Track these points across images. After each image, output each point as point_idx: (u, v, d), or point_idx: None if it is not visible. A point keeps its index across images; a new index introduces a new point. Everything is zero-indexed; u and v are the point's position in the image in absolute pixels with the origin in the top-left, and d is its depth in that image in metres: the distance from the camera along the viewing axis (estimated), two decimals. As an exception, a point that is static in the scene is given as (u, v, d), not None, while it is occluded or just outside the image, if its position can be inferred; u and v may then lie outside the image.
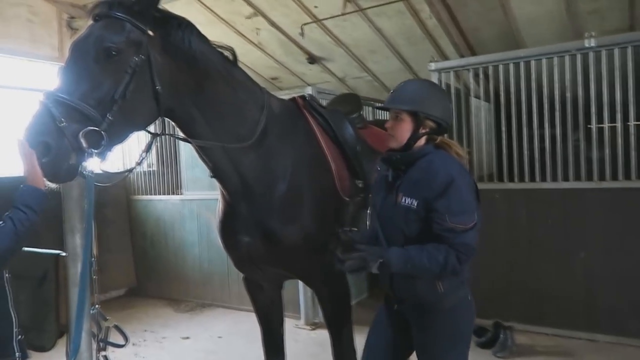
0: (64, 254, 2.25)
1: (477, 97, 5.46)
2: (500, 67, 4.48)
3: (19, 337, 2.01)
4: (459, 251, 1.87)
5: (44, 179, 1.77)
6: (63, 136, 1.72)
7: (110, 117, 1.82)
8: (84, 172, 1.82)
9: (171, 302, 6.02)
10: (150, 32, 1.96)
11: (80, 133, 1.74)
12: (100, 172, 1.90)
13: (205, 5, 6.08)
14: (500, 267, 4.55)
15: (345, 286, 2.56)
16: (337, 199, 2.53)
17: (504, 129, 4.54)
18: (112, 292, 6.27)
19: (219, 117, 2.15)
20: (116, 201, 6.47)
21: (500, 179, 4.66)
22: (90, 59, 1.84)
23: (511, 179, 4.59)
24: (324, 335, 4.69)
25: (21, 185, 1.78)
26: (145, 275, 6.53)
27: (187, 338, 4.78)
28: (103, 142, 1.80)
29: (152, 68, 1.94)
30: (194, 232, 5.90)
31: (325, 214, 2.46)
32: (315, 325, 4.96)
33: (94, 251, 2.32)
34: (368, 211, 2.69)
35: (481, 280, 4.63)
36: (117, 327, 2.31)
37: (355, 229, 2.62)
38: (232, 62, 2.31)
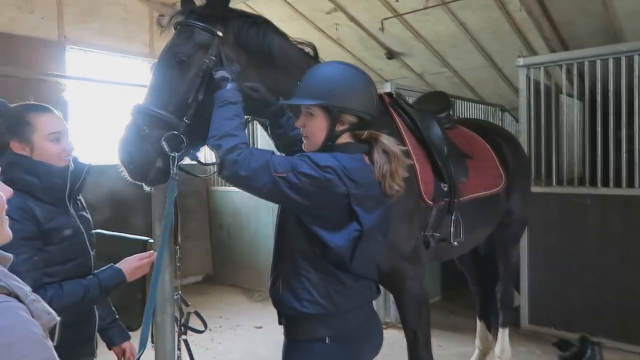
0: (151, 240, 2.35)
1: (570, 95, 5.10)
2: (598, 63, 4.14)
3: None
4: (250, 155, 1.61)
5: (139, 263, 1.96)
6: (146, 143, 1.86)
7: (187, 121, 1.89)
8: (171, 174, 1.89)
9: (244, 291, 6.20)
10: (220, 33, 1.96)
11: (162, 138, 1.85)
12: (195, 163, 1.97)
13: (286, 1, 6.16)
14: (590, 278, 4.24)
15: (424, 289, 2.48)
16: (419, 202, 2.43)
17: (599, 129, 4.20)
18: (190, 278, 6.56)
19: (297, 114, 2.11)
20: (197, 191, 6.76)
21: (593, 183, 4.32)
22: (167, 68, 1.94)
23: (605, 184, 4.24)
24: (394, 335, 4.62)
25: (116, 267, 1.93)
26: (221, 263, 6.77)
27: (260, 327, 4.89)
28: (183, 145, 1.88)
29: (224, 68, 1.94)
30: (268, 225, 6.02)
31: (407, 218, 2.37)
32: (386, 325, 4.89)
33: (178, 239, 2.42)
34: (452, 217, 2.58)
35: (568, 290, 4.35)
36: (197, 313, 2.38)
37: (438, 234, 2.53)
38: (313, 57, 2.28)
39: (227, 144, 1.65)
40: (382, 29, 6.09)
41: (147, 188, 2.01)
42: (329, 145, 1.75)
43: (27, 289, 0.97)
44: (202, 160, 2.11)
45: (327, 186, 1.61)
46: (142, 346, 1.87)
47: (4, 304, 0.88)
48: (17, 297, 0.92)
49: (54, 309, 1.68)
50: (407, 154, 1.79)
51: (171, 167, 1.87)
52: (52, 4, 5.63)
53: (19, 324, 0.87)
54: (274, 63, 2.09)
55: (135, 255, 2.00)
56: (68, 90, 5.66)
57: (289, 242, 1.76)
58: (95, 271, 1.92)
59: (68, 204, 1.89)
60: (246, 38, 2.03)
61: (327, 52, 7.20)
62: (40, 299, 0.98)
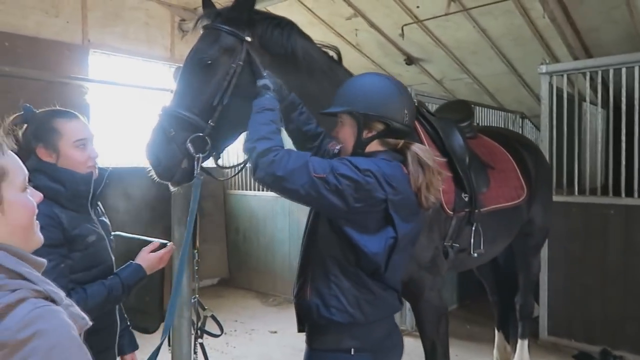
0: (170, 243, 2.36)
1: (593, 103, 5.01)
2: (623, 71, 4.06)
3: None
4: (288, 156, 1.61)
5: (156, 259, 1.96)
6: (172, 145, 1.89)
7: (212, 123, 1.91)
8: (195, 174, 1.92)
9: (259, 295, 6.21)
10: (248, 38, 1.97)
11: (188, 140, 1.88)
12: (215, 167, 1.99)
13: (306, 7, 6.18)
14: (612, 289, 4.14)
15: (443, 300, 2.44)
16: (439, 212, 2.39)
17: (623, 138, 4.11)
18: (206, 281, 6.58)
19: (326, 119, 2.05)
20: (214, 195, 6.80)
21: (617, 193, 4.23)
22: (193, 71, 1.96)
23: (629, 194, 4.14)
24: (410, 343, 4.56)
25: (135, 264, 1.93)
26: (237, 267, 6.79)
27: (275, 332, 4.88)
28: (208, 146, 1.91)
29: (251, 72, 1.96)
30: (284, 229, 6.03)
31: (427, 227, 2.33)
32: (402, 333, 4.84)
33: (197, 243, 2.43)
34: (473, 227, 2.54)
35: (589, 302, 4.26)
36: (213, 317, 2.39)
37: (457, 245, 2.49)
38: (337, 61, 2.28)
39: (262, 146, 1.65)
40: (402, 35, 6.06)
41: (173, 188, 2.03)
42: (359, 152, 1.74)
43: (62, 294, 0.99)
44: (222, 164, 2.11)
45: (366, 189, 1.60)
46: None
47: (45, 308, 0.90)
48: (54, 302, 0.94)
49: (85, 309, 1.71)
50: (442, 165, 1.77)
51: (195, 167, 1.90)
52: (77, 8, 5.74)
53: (61, 327, 0.89)
54: (297, 65, 2.09)
55: (151, 250, 1.99)
56: (90, 93, 5.76)
57: (321, 248, 1.74)
58: (116, 270, 1.92)
59: (90, 210, 1.89)
60: (270, 40, 2.03)
61: (346, 58, 7.14)
62: (74, 304, 1.00)
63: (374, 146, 1.76)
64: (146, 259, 1.95)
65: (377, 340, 1.74)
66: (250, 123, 1.75)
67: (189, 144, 1.88)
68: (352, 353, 1.69)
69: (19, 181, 1.04)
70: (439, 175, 1.74)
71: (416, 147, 1.75)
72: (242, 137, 2.09)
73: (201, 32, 2.06)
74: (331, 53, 2.28)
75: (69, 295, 1.70)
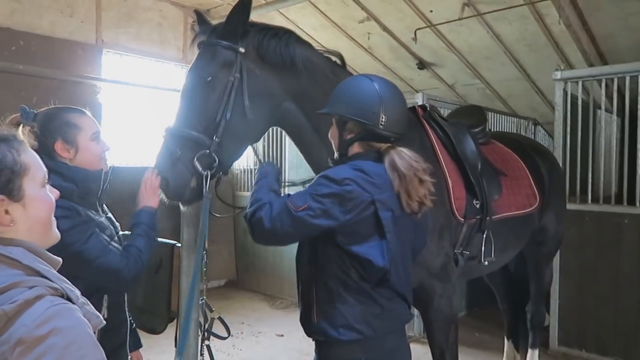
0: (179, 244, 2.35)
1: (608, 111, 4.94)
2: (640, 78, 4.01)
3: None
4: (269, 205, 1.66)
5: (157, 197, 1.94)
6: (179, 165, 1.91)
7: (217, 139, 1.93)
8: (204, 193, 1.94)
9: (267, 298, 6.19)
10: (242, 49, 1.98)
11: (195, 158, 1.90)
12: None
13: (319, 10, 6.18)
14: (625, 300, 4.07)
15: (454, 309, 2.40)
16: (450, 219, 2.37)
17: (639, 146, 4.04)
18: (214, 282, 6.59)
19: (327, 123, 2.04)
20: (223, 196, 6.77)
21: (631, 202, 4.16)
22: (193, 88, 1.98)
23: (644, 204, 4.08)
24: (418, 350, 4.52)
25: (141, 208, 1.93)
26: (244, 268, 6.79)
27: (282, 335, 4.86)
28: (215, 163, 1.93)
29: (247, 84, 1.98)
30: (293, 231, 6.00)
31: (437, 233, 2.30)
32: (409, 339, 4.79)
33: (205, 245, 2.42)
34: (484, 235, 2.51)
35: (601, 312, 4.19)
36: (220, 319, 2.37)
37: (467, 252, 2.46)
38: (341, 66, 2.26)
39: (251, 211, 1.70)
40: (414, 39, 6.03)
41: (183, 208, 2.06)
42: (343, 153, 1.79)
43: (77, 292, 1.01)
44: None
45: (350, 198, 1.61)
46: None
47: (62, 306, 0.91)
48: (70, 300, 0.96)
49: (147, 258, 1.76)
50: (426, 172, 1.72)
51: (204, 185, 1.91)
52: (92, 8, 5.78)
53: (76, 325, 0.91)
54: (297, 73, 2.09)
55: (142, 187, 1.96)
56: (103, 92, 5.79)
57: (322, 270, 1.72)
58: (133, 224, 1.92)
59: (98, 207, 1.92)
60: (267, 51, 2.04)
61: (358, 61, 7.19)
62: (89, 302, 1.01)
63: (357, 148, 1.77)
64: (143, 198, 1.94)
65: (388, 352, 1.72)
66: (253, 190, 1.82)
67: (196, 162, 1.90)
68: None
69: (39, 177, 1.07)
70: (420, 183, 1.69)
71: (395, 153, 1.71)
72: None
73: (197, 49, 2.08)
74: (334, 58, 2.27)
75: (127, 253, 1.78)
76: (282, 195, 1.79)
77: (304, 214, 1.59)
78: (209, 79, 1.95)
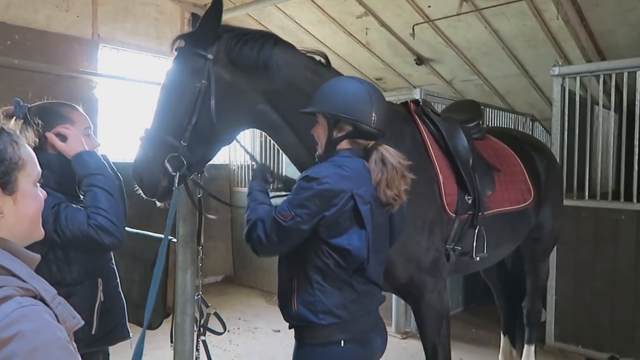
0: (174, 240, 2.34)
1: (605, 106, 4.94)
2: (638, 74, 4.00)
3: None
4: (262, 222, 1.76)
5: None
6: (152, 164, 2.02)
7: (184, 143, 2.01)
8: (173, 189, 2.03)
9: (264, 294, 6.19)
10: (210, 56, 2.01)
11: (165, 160, 1.99)
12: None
13: (317, 5, 6.14)
14: (622, 296, 4.08)
15: (446, 304, 2.40)
16: (441, 214, 2.36)
17: (636, 142, 4.04)
18: (211, 278, 6.58)
19: (305, 123, 2.04)
20: (220, 192, 6.78)
21: (628, 199, 4.16)
22: (165, 93, 2.07)
23: (642, 200, 4.08)
24: (415, 345, 4.53)
25: (75, 156, 1.85)
26: (242, 264, 6.78)
27: (278, 331, 4.86)
28: (183, 165, 2.01)
29: (215, 90, 2.02)
30: (290, 227, 5.99)
31: (427, 228, 2.31)
32: (406, 335, 4.81)
33: (201, 240, 2.41)
34: (476, 231, 2.50)
35: (598, 308, 4.20)
36: (216, 315, 2.37)
37: (459, 248, 2.45)
38: (325, 65, 2.24)
39: (247, 229, 1.81)
40: (412, 35, 6.01)
41: (159, 203, 2.14)
42: (330, 150, 1.85)
43: (54, 291, 0.97)
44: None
45: (330, 196, 1.70)
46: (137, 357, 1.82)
47: (30, 308, 0.87)
48: (43, 300, 0.91)
49: (115, 221, 1.73)
50: (407, 168, 1.85)
51: (174, 185, 2.02)
52: (88, 3, 5.74)
53: (44, 328, 0.86)
54: (272, 76, 2.09)
55: (60, 130, 1.88)
56: (99, 87, 5.76)
57: (301, 260, 1.81)
58: (84, 182, 1.84)
59: (79, 194, 1.93)
60: (238, 56, 2.06)
61: (356, 57, 7.17)
62: (66, 302, 0.97)
63: (344, 145, 1.84)
64: (71, 146, 1.85)
65: (365, 331, 1.84)
66: (248, 202, 1.93)
67: (166, 163, 1.99)
68: (342, 344, 1.78)
69: (34, 175, 1.07)
70: (402, 177, 1.81)
71: (383, 149, 1.83)
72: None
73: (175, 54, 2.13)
74: (318, 58, 2.26)
75: (95, 220, 1.73)
76: (270, 198, 1.93)
77: (292, 223, 1.70)
78: (177, 84, 2.03)
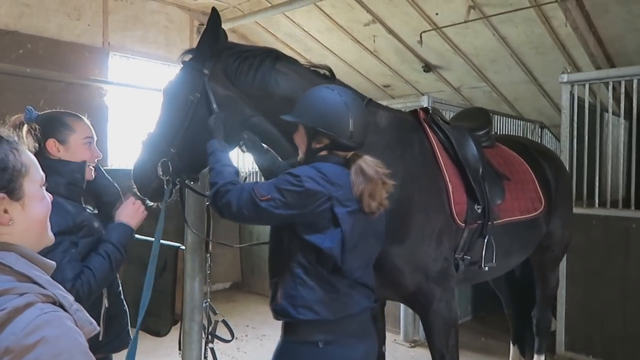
0: (183, 247, 2.35)
1: (615, 114, 4.91)
2: (650, 81, 3.98)
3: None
4: (234, 191, 1.80)
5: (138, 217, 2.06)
6: (146, 166, 2.16)
7: (173, 150, 2.12)
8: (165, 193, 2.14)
9: (272, 301, 6.16)
10: (206, 71, 2.10)
11: (159, 164, 2.11)
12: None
13: (324, 13, 6.18)
14: (633, 305, 4.02)
15: (454, 313, 2.38)
16: (450, 223, 2.35)
17: (648, 150, 4.01)
18: (219, 285, 6.58)
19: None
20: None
21: (639, 207, 4.12)
22: (165, 102, 2.19)
23: (652, 208, 4.03)
24: (423, 354, 4.50)
25: (119, 223, 1.99)
26: (250, 271, 6.78)
27: (286, 339, 4.84)
28: (169, 170, 2.11)
29: (207, 104, 2.10)
30: (298, 234, 5.99)
31: (436, 238, 2.29)
32: (414, 343, 4.77)
33: (209, 247, 2.42)
34: (485, 240, 2.49)
35: (609, 317, 4.15)
36: (224, 322, 2.37)
37: (468, 258, 2.44)
38: (330, 78, 2.26)
39: (215, 191, 1.85)
40: (420, 42, 6.02)
41: (150, 203, 2.22)
42: (309, 158, 1.90)
43: (71, 298, 0.99)
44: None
45: (308, 194, 1.75)
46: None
47: (52, 314, 0.89)
48: (62, 306, 0.94)
49: (95, 289, 1.73)
50: (388, 177, 1.88)
51: (165, 187, 2.13)
52: (99, 12, 5.82)
53: (66, 334, 0.88)
54: (269, 93, 2.14)
55: (125, 202, 2.08)
56: (109, 95, 5.82)
57: (286, 254, 1.87)
58: (103, 237, 1.94)
59: (82, 201, 1.99)
60: (235, 73, 2.13)
61: (364, 64, 7.19)
62: (82, 308, 0.99)
63: (323, 154, 1.89)
64: (124, 214, 2.02)
65: (346, 335, 1.85)
66: (209, 163, 1.96)
67: (158, 167, 2.11)
68: (321, 346, 1.80)
69: (38, 179, 1.08)
70: (383, 185, 1.84)
71: (362, 160, 1.85)
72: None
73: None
74: (322, 72, 2.28)
75: (79, 279, 1.75)
76: (235, 166, 1.96)
77: (266, 205, 1.74)
78: (174, 94, 2.14)
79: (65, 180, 1.88)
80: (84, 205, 1.99)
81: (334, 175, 1.80)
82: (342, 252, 1.79)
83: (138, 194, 2.19)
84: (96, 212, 2.08)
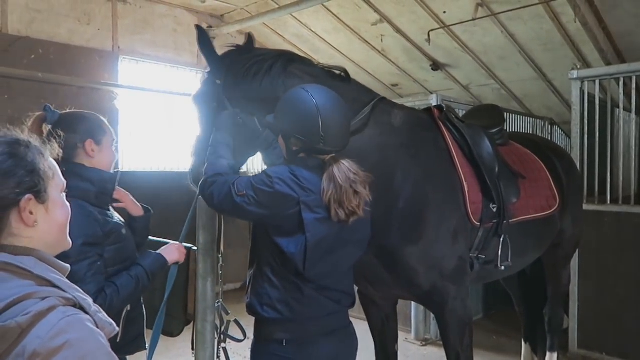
0: (195, 248, 2.37)
1: (626, 110, 4.86)
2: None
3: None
4: (219, 184, 1.85)
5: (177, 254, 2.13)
6: (199, 169, 2.16)
7: (193, 157, 2.24)
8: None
9: (283, 301, 6.19)
10: (218, 81, 2.16)
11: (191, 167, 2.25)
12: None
13: (332, 13, 6.19)
14: (647, 303, 3.98)
15: (469, 311, 2.38)
16: (466, 222, 2.34)
17: (659, 146, 3.97)
18: (230, 285, 6.61)
19: None
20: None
21: (651, 203, 4.09)
22: (197, 110, 2.26)
23: (665, 204, 4.00)
24: (434, 352, 4.50)
25: (156, 253, 2.05)
26: (260, 272, 6.79)
27: (297, 338, 4.86)
28: (201, 175, 2.13)
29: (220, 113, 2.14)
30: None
31: (451, 236, 2.29)
32: (425, 342, 4.77)
33: (221, 248, 2.44)
34: (501, 239, 2.48)
35: (622, 314, 4.11)
36: (237, 322, 2.39)
37: (483, 257, 2.43)
38: (346, 79, 2.27)
39: (204, 182, 1.90)
40: (428, 41, 6.00)
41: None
42: (291, 159, 1.90)
43: (90, 300, 1.00)
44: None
45: (278, 196, 1.77)
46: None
47: (74, 317, 0.91)
48: (82, 309, 0.95)
49: (116, 306, 1.77)
50: (365, 183, 1.85)
51: (196, 189, 2.15)
52: (108, 16, 5.88)
53: (89, 336, 0.90)
54: (279, 98, 2.13)
55: (176, 243, 2.16)
56: (120, 98, 5.88)
57: (258, 252, 1.92)
58: (138, 260, 2.00)
59: (109, 207, 2.02)
60: (246, 79, 2.15)
61: (372, 64, 7.18)
62: (102, 310, 1.01)
63: (302, 155, 1.88)
64: (167, 250, 2.09)
65: (311, 336, 1.86)
66: (208, 153, 2.01)
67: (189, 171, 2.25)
68: (284, 344, 1.84)
69: (60, 184, 1.11)
70: (355, 194, 1.80)
71: (335, 165, 1.82)
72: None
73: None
74: (338, 72, 2.29)
75: (103, 291, 1.78)
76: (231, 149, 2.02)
77: (241, 200, 1.78)
78: (200, 103, 2.22)
79: (96, 189, 1.89)
80: (111, 212, 2.00)
81: (307, 180, 1.79)
82: (305, 260, 1.77)
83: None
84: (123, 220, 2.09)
